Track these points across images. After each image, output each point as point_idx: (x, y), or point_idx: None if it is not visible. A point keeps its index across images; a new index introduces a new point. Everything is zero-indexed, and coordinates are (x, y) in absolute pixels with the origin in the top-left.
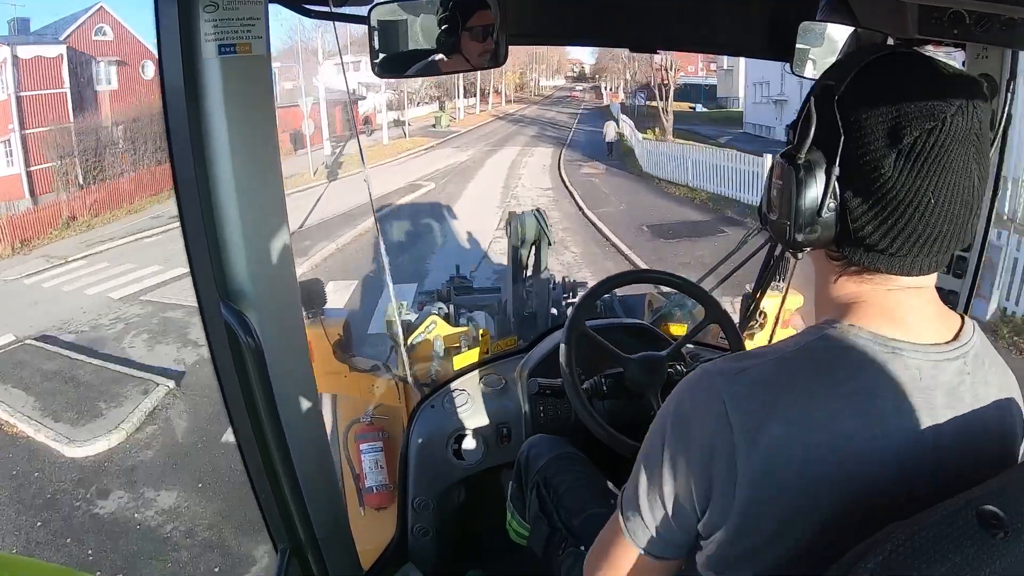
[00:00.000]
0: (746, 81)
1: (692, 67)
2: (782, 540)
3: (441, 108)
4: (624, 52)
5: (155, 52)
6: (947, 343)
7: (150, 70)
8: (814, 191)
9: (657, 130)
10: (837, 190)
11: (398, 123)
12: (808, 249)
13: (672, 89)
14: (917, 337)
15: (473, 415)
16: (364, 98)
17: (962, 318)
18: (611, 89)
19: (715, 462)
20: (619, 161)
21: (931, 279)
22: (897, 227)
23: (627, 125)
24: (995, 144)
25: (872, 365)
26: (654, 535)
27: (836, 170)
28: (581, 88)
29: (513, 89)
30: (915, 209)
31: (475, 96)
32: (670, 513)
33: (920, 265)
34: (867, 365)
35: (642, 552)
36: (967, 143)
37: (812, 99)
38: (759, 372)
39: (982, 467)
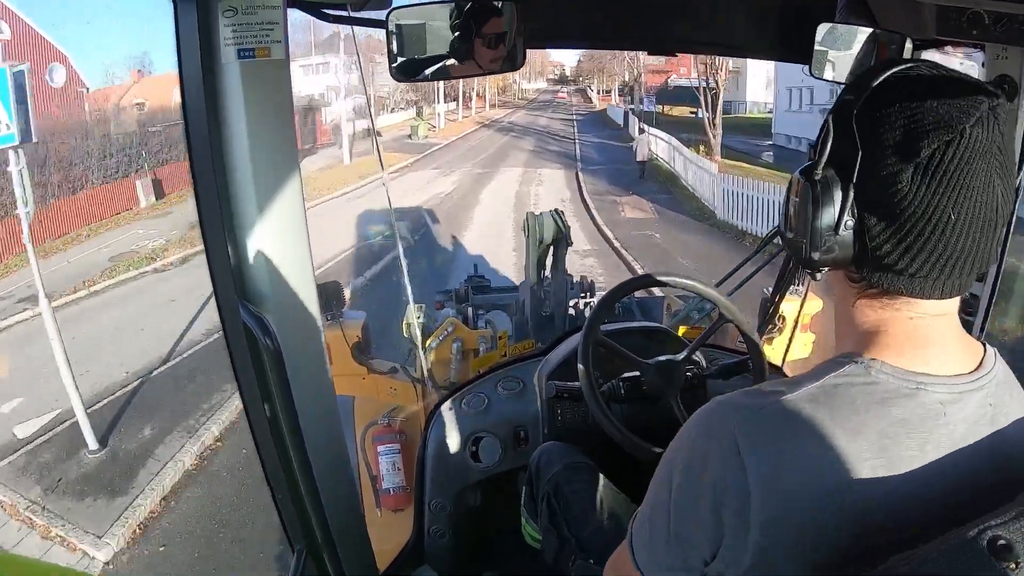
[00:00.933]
0: (776, 86)
1: (684, 68)
2: None
3: (419, 115)
4: (623, 54)
5: (67, 54)
6: (970, 373)
7: (60, 76)
8: (831, 208)
9: (703, 148)
10: (855, 208)
11: (367, 134)
12: (826, 269)
13: (720, 95)
14: (940, 368)
15: (490, 418)
16: (328, 105)
17: (984, 346)
18: (600, 92)
19: (727, 505)
20: (666, 193)
21: (954, 304)
22: (916, 246)
23: (660, 139)
24: (1017, 147)
25: (895, 404)
26: (662, 569)
27: (853, 187)
28: (565, 91)
29: (496, 93)
30: (934, 226)
31: (456, 101)
32: (676, 551)
33: (942, 287)
34: (889, 404)
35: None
36: (988, 156)
37: (831, 115)
38: (775, 410)
39: (1003, 501)
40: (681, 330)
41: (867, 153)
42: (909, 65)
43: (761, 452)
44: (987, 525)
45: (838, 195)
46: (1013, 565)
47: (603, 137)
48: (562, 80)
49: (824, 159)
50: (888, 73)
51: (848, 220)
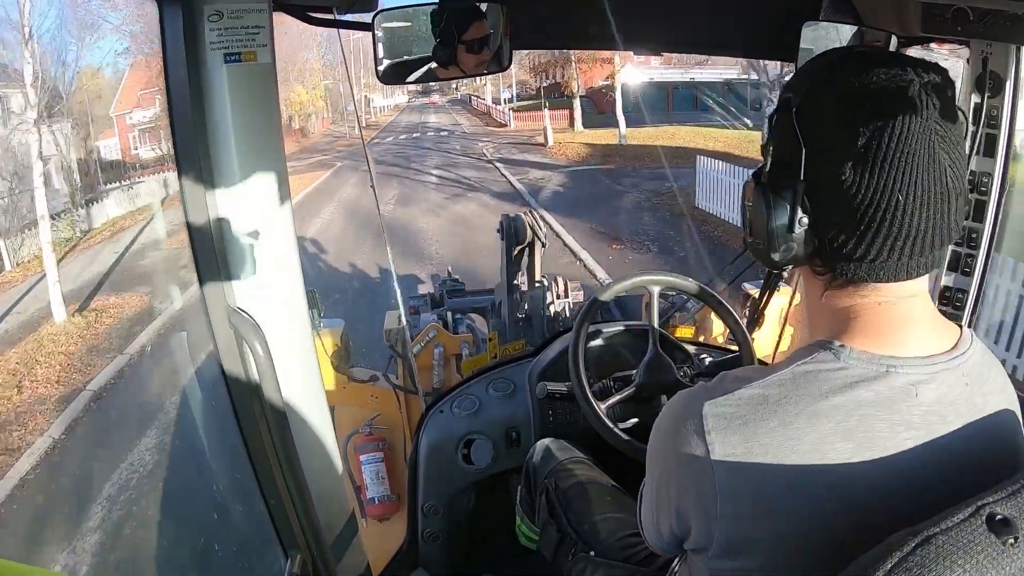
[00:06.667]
0: None
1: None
2: (779, 560)
3: (78, 204)
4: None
5: None
6: (944, 353)
7: None
8: (784, 209)
9: None
10: (807, 205)
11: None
12: (790, 267)
13: None
14: (912, 350)
15: (482, 420)
16: None
17: (960, 328)
18: (504, 101)
19: (692, 484)
20: None
21: (922, 286)
22: (870, 232)
23: None
24: (1002, 142)
25: (863, 387)
26: (655, 538)
27: (802, 185)
28: (441, 100)
29: (325, 118)
30: (885, 211)
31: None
32: (658, 525)
33: (906, 268)
34: (858, 388)
35: (651, 547)
36: (928, 133)
37: (774, 114)
38: (746, 395)
39: (986, 478)
40: (679, 331)
41: (810, 150)
42: (841, 54)
43: (727, 433)
44: (985, 501)
45: (788, 194)
46: (1012, 540)
47: None
48: (425, 91)
49: (769, 159)
50: (823, 65)
51: (802, 218)
